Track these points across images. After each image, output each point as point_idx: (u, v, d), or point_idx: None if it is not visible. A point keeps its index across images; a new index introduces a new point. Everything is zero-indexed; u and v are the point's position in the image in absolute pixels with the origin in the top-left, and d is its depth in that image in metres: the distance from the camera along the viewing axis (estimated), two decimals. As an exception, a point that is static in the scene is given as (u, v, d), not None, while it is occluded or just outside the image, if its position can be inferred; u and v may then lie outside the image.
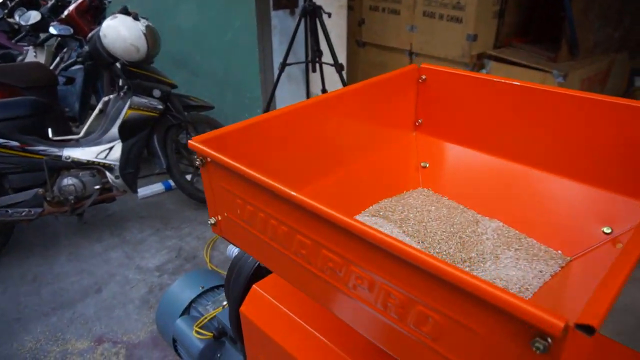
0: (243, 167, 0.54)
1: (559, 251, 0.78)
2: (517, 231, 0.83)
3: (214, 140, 0.64)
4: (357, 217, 0.87)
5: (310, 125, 0.80)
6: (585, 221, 0.78)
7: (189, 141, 0.62)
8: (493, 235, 0.82)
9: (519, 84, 0.84)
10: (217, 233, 0.69)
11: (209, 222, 0.69)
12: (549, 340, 0.33)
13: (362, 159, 0.92)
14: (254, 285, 0.94)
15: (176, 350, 1.56)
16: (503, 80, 0.86)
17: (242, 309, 0.93)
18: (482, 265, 0.76)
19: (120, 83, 2.51)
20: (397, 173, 0.97)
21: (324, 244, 0.49)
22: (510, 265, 0.74)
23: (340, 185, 0.87)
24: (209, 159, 0.63)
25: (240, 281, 1.03)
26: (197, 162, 0.63)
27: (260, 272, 1.03)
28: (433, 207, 0.89)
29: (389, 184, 0.95)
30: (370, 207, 0.90)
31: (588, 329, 0.31)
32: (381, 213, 0.88)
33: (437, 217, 0.86)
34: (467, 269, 0.76)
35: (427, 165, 0.99)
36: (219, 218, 0.68)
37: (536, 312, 0.32)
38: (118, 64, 2.41)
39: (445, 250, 0.79)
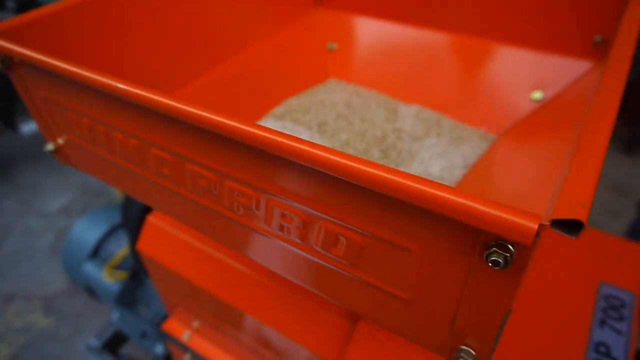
0: (51, 60, 0.36)
1: (483, 128, 0.69)
2: (437, 113, 0.72)
3: (21, 29, 0.44)
4: (261, 123, 0.71)
5: (178, 5, 0.59)
6: (511, 89, 0.69)
7: (-27, 34, 0.41)
8: (412, 124, 0.70)
9: None
10: (63, 161, 0.51)
11: (46, 148, 0.50)
12: (512, 248, 0.22)
13: (253, 48, 0.74)
14: (147, 217, 0.78)
15: (94, 295, 1.41)
16: None
17: (139, 245, 0.79)
18: (403, 166, 0.65)
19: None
20: (300, 62, 0.81)
21: (186, 154, 0.34)
22: (433, 157, 0.64)
23: (228, 84, 0.69)
24: (16, 60, 0.43)
25: (134, 213, 0.87)
26: (-2, 65, 0.43)
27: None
28: (351, 102, 0.75)
29: (292, 77, 0.78)
30: (275, 109, 0.74)
31: (573, 226, 0.20)
32: (289, 116, 0.72)
33: (360, 116, 0.72)
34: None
35: (335, 47, 0.83)
36: (60, 142, 0.49)
37: (492, 213, 0.21)
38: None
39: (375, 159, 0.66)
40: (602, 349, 0.55)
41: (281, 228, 0.33)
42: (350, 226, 0.28)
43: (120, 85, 0.31)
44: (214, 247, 0.72)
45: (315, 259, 0.33)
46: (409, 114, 0.73)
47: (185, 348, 0.89)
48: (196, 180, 0.35)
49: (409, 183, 0.23)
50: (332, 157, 0.24)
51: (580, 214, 0.19)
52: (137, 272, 1.26)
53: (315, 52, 0.82)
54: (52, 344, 1.66)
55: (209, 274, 0.72)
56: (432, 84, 0.74)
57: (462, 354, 0.29)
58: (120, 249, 1.33)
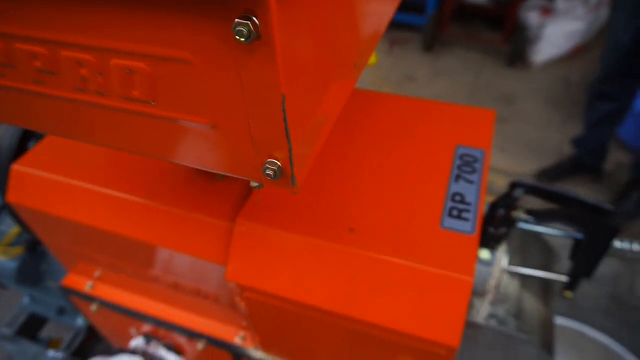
0: None
1: None
2: None
3: None
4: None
5: None
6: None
7: None
8: None
9: None
10: None
11: None
12: (255, 20, 0.23)
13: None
14: (12, 166, 0.73)
15: (-6, 282, 1.31)
16: None
17: (9, 198, 0.74)
18: None
19: None
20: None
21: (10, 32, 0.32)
22: None
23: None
24: None
25: (1, 167, 0.81)
26: None
27: (24, 147, 0.82)
28: None
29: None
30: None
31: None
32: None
33: None
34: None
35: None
36: None
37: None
38: None
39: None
40: (458, 197, 0.61)
41: (83, 84, 0.32)
42: (129, 52, 0.28)
43: None
44: (89, 180, 0.69)
45: (125, 110, 0.33)
46: None
47: (89, 298, 0.86)
48: (32, 64, 0.33)
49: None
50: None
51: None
52: (35, 244, 1.19)
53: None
54: (-37, 345, 1.54)
55: (88, 208, 0.69)
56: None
57: (268, 165, 0.31)
58: (12, 227, 1.23)
